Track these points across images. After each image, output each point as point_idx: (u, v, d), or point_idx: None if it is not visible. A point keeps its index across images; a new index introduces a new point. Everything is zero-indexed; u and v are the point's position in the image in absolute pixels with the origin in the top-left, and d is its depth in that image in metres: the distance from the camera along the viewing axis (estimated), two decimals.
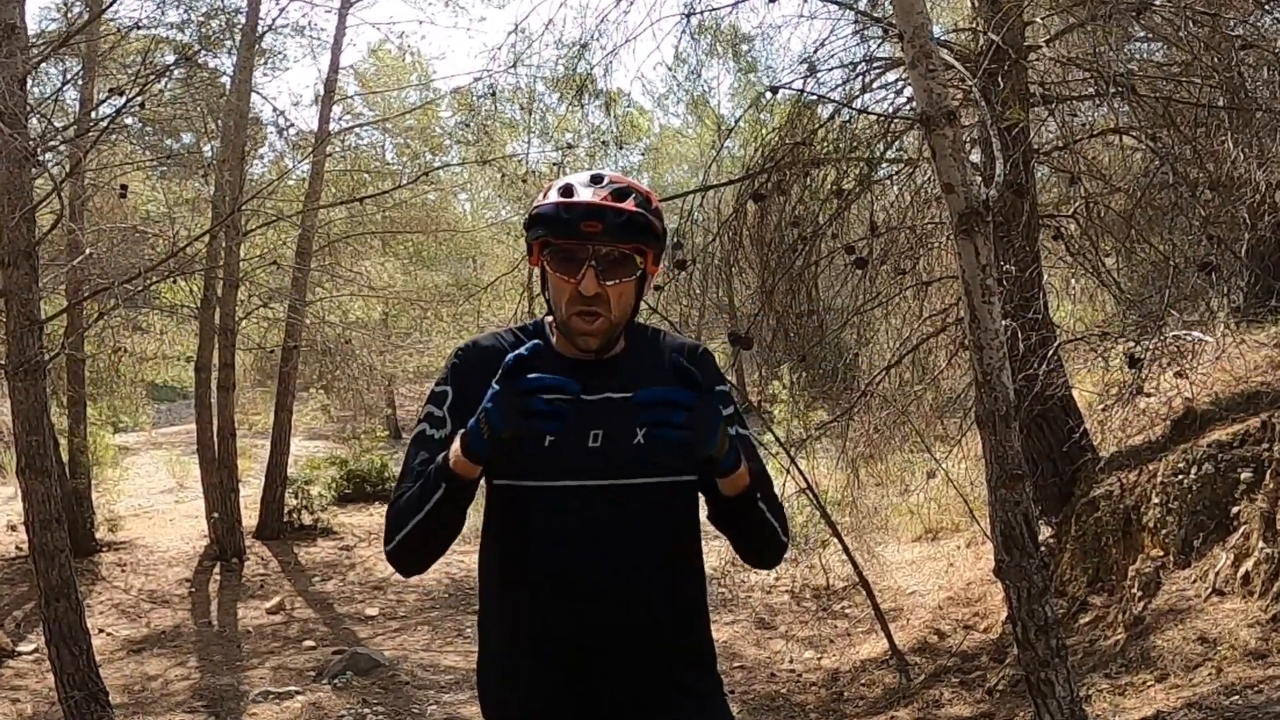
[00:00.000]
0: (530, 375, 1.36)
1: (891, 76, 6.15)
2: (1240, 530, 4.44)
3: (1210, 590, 4.36)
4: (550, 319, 1.67)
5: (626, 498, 1.55)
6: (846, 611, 7.92)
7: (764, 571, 8.88)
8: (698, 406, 1.39)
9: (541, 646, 1.56)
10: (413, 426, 1.64)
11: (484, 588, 1.66)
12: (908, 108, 5.82)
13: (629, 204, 1.54)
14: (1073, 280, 6.67)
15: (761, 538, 1.63)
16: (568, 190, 1.55)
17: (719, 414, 1.45)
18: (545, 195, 1.59)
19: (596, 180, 1.56)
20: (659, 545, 1.58)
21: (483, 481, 1.62)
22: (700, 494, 1.65)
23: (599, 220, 1.51)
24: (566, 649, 1.55)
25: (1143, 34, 5.93)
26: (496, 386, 1.38)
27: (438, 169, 12.39)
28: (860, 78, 6.10)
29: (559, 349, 1.64)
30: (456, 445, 1.44)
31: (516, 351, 1.38)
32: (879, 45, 6.13)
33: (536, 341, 1.42)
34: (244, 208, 9.31)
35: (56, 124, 6.07)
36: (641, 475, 1.56)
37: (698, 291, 6.03)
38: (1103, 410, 6.05)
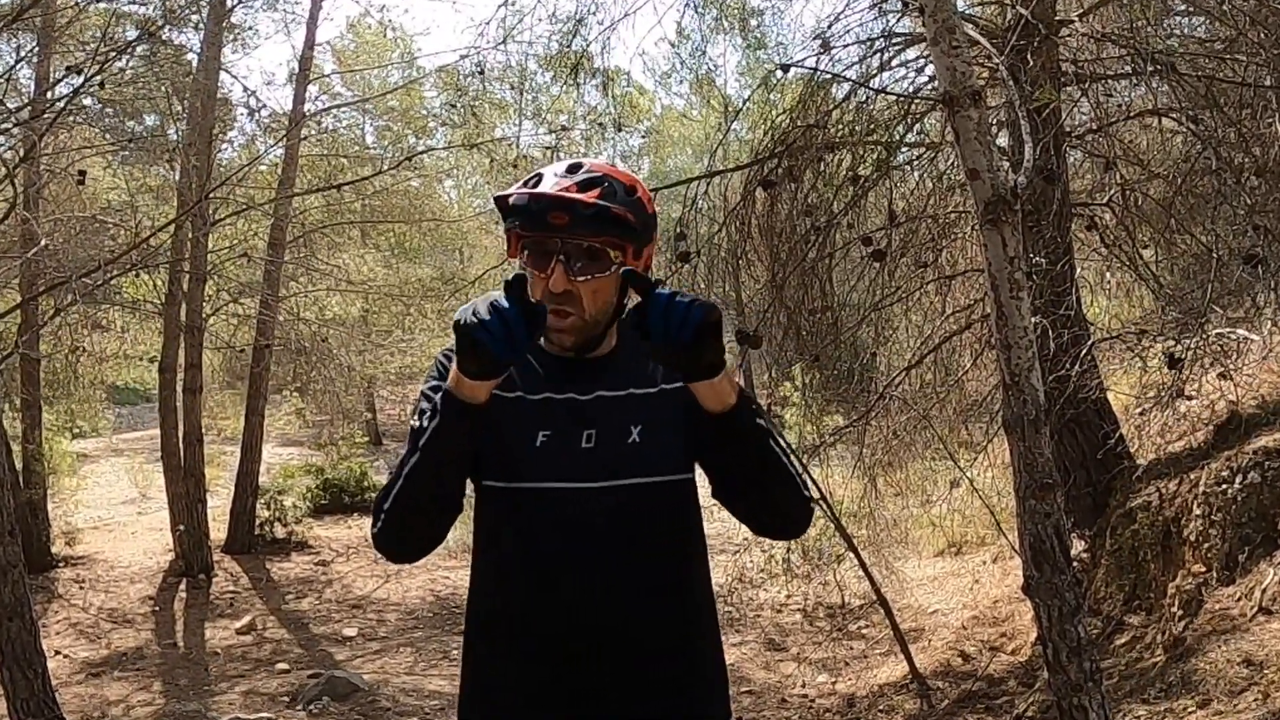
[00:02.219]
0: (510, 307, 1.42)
1: (912, 54, 6.16)
2: None
3: (1256, 609, 4.35)
4: None
5: (621, 499, 1.59)
6: (863, 632, 7.92)
7: (773, 588, 8.89)
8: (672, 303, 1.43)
9: (529, 648, 1.59)
10: (408, 423, 1.66)
11: (474, 592, 1.69)
12: (929, 87, 5.82)
13: (593, 194, 1.54)
14: (1108, 274, 6.68)
15: (771, 474, 1.59)
16: (537, 180, 1.58)
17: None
18: (520, 184, 1.62)
19: (572, 170, 1.58)
20: (655, 547, 1.61)
21: (471, 489, 1.65)
22: (705, 474, 1.67)
23: (566, 212, 1.53)
24: (557, 651, 1.58)
25: (1184, 7, 5.93)
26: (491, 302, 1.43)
27: (422, 153, 12.38)
28: (878, 55, 6.10)
29: (548, 348, 1.67)
30: (457, 368, 1.47)
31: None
32: (898, 20, 6.13)
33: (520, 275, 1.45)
34: (212, 195, 9.30)
35: (9, 105, 6.07)
36: (636, 475, 1.60)
37: (702, 286, 6.03)
38: (1140, 414, 6.05)
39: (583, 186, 1.55)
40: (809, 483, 1.67)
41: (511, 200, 1.59)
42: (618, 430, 1.62)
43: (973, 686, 5.99)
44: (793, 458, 1.66)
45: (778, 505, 1.64)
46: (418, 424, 1.58)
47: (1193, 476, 5.22)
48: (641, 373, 1.66)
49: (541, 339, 1.67)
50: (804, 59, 6.36)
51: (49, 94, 7.73)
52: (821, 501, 6.37)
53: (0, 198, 6.12)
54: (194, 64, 10.79)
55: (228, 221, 10.89)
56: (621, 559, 1.58)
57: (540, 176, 1.59)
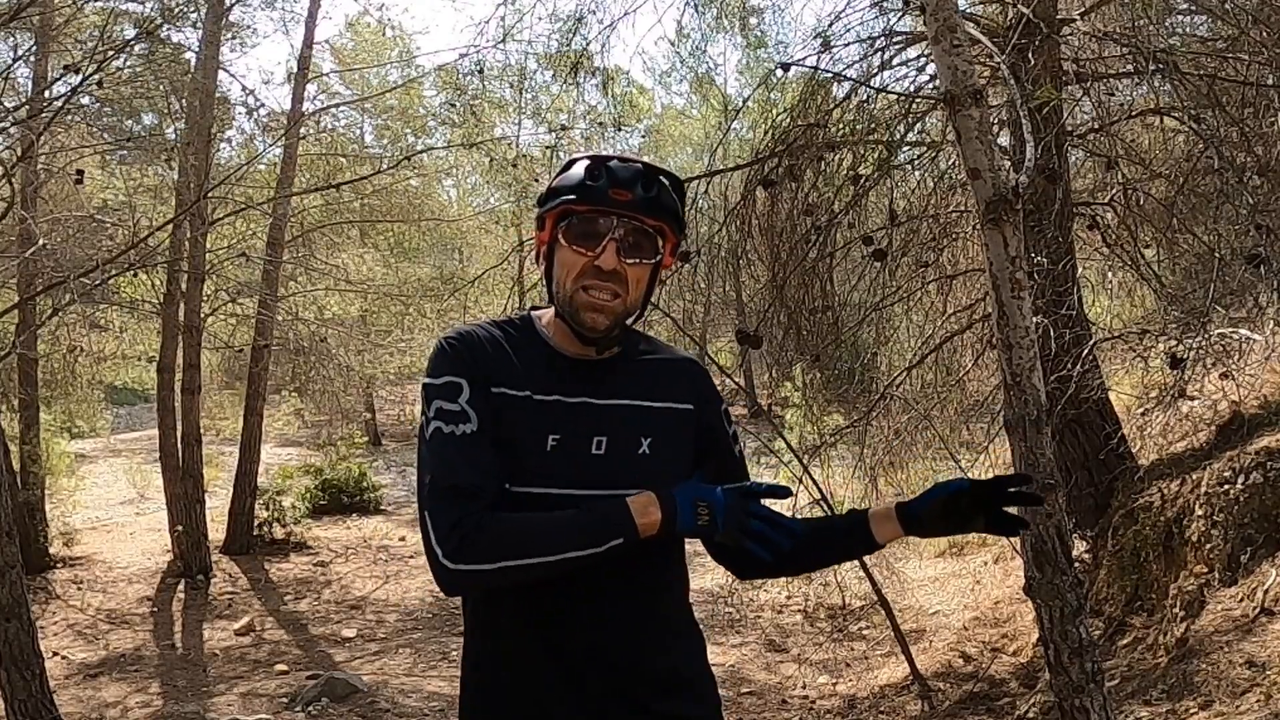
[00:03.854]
0: (759, 503, 1.54)
1: (913, 52, 6.16)
2: None
3: (1259, 610, 4.35)
4: (542, 314, 1.68)
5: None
6: (864, 633, 7.92)
7: (774, 589, 8.90)
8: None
9: (532, 653, 1.58)
10: (424, 431, 1.57)
11: (472, 599, 1.67)
12: (930, 86, 5.82)
13: (661, 180, 1.59)
14: (1109, 273, 6.67)
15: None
16: (598, 159, 1.59)
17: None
18: (566, 169, 1.62)
19: (623, 159, 1.61)
20: (652, 561, 1.60)
21: None
22: None
23: (629, 190, 1.55)
24: (551, 664, 1.56)
25: (1185, 6, 5.93)
26: (731, 497, 1.52)
27: (421, 152, 12.41)
28: (879, 54, 6.10)
29: (559, 347, 1.64)
30: (647, 505, 1.49)
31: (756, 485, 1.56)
32: (899, 18, 6.14)
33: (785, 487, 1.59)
34: (210, 194, 9.31)
35: (6, 104, 6.07)
36: (643, 488, 1.56)
37: (703, 285, 6.05)
38: (1142, 414, 6.05)
39: (647, 170, 1.58)
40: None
41: (564, 180, 1.58)
42: (629, 439, 1.59)
43: (974, 688, 5.99)
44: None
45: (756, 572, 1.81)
46: (450, 430, 1.51)
47: (1195, 477, 5.22)
48: (648, 385, 1.65)
49: (549, 339, 1.66)
50: (804, 58, 6.36)
51: (46, 93, 7.72)
52: (822, 502, 6.38)
53: None
54: (192, 63, 10.80)
55: (226, 221, 10.91)
56: (617, 569, 1.56)
57: (600, 156, 1.59)
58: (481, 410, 1.53)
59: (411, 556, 11.38)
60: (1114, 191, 5.88)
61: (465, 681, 1.67)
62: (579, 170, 1.58)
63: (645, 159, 1.64)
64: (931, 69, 5.76)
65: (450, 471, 1.50)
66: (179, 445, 10.89)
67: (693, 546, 1.73)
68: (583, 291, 1.56)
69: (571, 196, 1.56)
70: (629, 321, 1.64)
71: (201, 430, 11.25)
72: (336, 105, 13.14)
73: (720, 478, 1.64)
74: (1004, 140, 5.81)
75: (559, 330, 1.64)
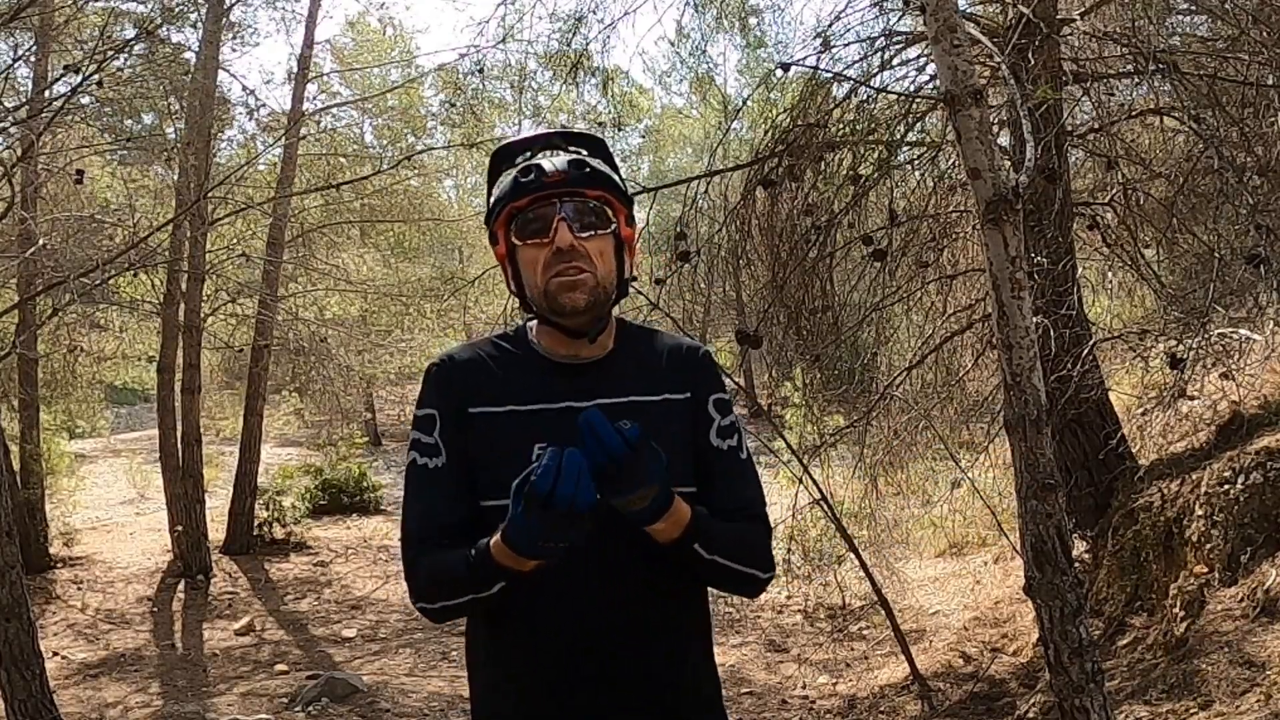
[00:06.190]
0: (540, 478, 1.32)
1: (913, 52, 6.16)
2: None
3: (1259, 610, 4.35)
4: (534, 323, 1.68)
5: (613, 515, 1.52)
6: (864, 633, 7.92)
7: (774, 589, 8.90)
8: (625, 460, 1.36)
9: (522, 677, 1.57)
10: (407, 455, 1.66)
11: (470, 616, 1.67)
12: (930, 86, 5.83)
13: (588, 158, 1.64)
14: (1109, 273, 6.68)
15: (714, 580, 1.62)
16: (526, 161, 1.64)
17: (644, 477, 1.40)
18: (496, 178, 1.68)
19: (550, 148, 1.69)
20: (647, 566, 1.56)
21: None
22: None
23: (563, 174, 1.59)
24: (548, 679, 1.55)
25: (1185, 6, 5.93)
26: (519, 513, 1.35)
27: (421, 153, 12.40)
28: (879, 54, 6.10)
29: (545, 352, 1.65)
30: (505, 547, 1.40)
31: (530, 473, 1.34)
32: (899, 18, 6.14)
33: (553, 451, 1.35)
34: (210, 195, 9.32)
35: (7, 104, 6.07)
36: None
37: (703, 285, 6.05)
38: (1142, 414, 6.05)
39: (566, 139, 1.66)
40: (767, 564, 1.66)
41: (499, 192, 1.62)
42: None
43: (974, 688, 5.99)
44: (754, 547, 1.63)
45: (719, 587, 1.66)
46: (424, 462, 1.59)
47: (1195, 477, 5.22)
48: (644, 379, 1.63)
49: (538, 346, 1.66)
50: (804, 58, 6.37)
51: (47, 93, 7.72)
52: (822, 502, 6.38)
53: None
54: (192, 62, 10.79)
55: (226, 221, 10.91)
56: (622, 573, 1.55)
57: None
58: (451, 441, 1.59)
59: None
60: (1114, 191, 5.88)
61: (472, 680, 1.67)
62: (509, 179, 1.61)
63: (566, 128, 1.71)
64: (931, 69, 5.76)
65: (408, 515, 1.60)
66: (179, 445, 10.89)
67: None
68: (555, 280, 1.57)
69: (511, 196, 1.60)
70: (613, 302, 1.64)
71: (201, 430, 11.25)
72: (337, 105, 13.14)
73: (699, 473, 1.60)
74: (1004, 140, 5.81)
75: (545, 334, 1.65)
